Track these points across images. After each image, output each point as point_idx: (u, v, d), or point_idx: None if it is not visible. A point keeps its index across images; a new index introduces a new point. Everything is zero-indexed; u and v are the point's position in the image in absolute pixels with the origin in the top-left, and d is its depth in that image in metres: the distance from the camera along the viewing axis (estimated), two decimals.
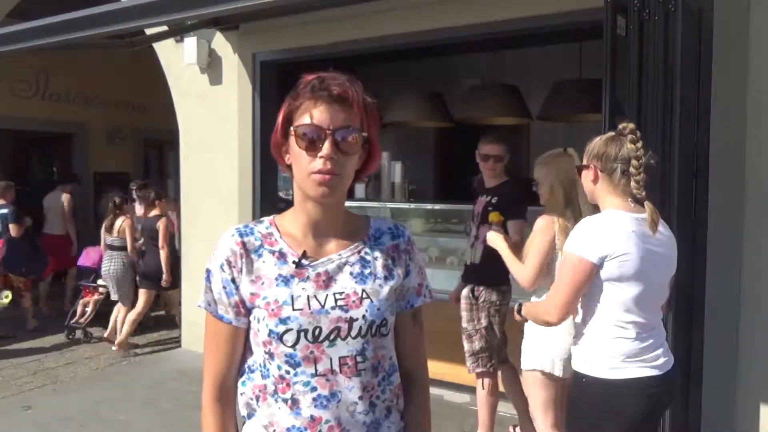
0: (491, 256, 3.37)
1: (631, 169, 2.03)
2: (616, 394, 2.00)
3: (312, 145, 1.19)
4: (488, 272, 3.46)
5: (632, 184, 2.03)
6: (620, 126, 2.10)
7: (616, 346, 2.01)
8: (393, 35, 4.44)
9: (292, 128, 1.22)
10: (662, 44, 2.63)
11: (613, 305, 2.01)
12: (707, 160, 3.20)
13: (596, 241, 1.98)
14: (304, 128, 1.20)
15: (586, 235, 2.02)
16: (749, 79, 3.20)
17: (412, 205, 5.31)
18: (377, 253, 1.30)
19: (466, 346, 3.54)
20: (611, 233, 1.98)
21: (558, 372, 2.65)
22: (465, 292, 3.58)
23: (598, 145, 2.13)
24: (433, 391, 4.84)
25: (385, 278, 1.29)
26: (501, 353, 3.58)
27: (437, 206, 5.36)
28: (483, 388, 3.53)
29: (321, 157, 1.19)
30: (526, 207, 3.47)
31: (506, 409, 4.20)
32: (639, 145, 2.04)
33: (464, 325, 3.55)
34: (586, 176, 2.17)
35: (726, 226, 3.23)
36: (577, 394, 2.12)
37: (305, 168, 1.21)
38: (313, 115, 1.20)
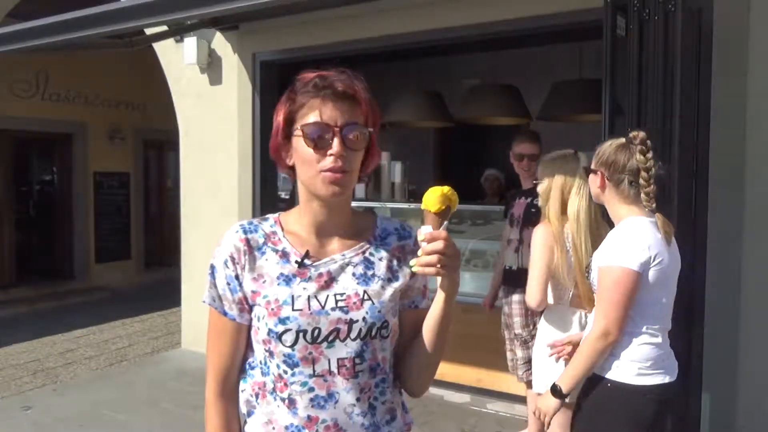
0: None
1: (641, 181, 2.00)
2: (638, 401, 1.98)
3: (320, 144, 1.18)
4: None
5: (642, 196, 2.01)
6: (631, 134, 2.07)
7: (645, 353, 1.99)
8: (393, 35, 4.44)
9: (298, 128, 1.20)
10: (662, 44, 2.63)
11: (646, 312, 1.99)
12: (707, 160, 3.19)
13: (634, 249, 1.95)
14: (312, 127, 1.18)
15: (621, 244, 1.98)
16: (749, 79, 3.19)
17: (412, 205, 5.30)
18: (382, 254, 1.28)
19: (519, 353, 3.41)
20: (645, 240, 1.96)
21: (575, 395, 2.57)
22: (517, 297, 3.42)
23: (608, 152, 2.09)
24: (433, 391, 4.85)
25: (389, 280, 1.27)
26: None
27: None
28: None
29: (331, 155, 1.17)
30: None
31: (505, 409, 4.21)
32: (649, 156, 2.00)
33: (518, 331, 3.41)
34: (594, 181, 2.15)
35: (726, 226, 3.23)
36: (595, 398, 2.06)
37: (314, 167, 1.19)
38: (321, 113, 1.18)
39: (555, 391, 2.08)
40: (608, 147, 2.11)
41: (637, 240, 1.97)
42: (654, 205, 2.01)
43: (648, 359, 1.99)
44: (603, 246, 2.07)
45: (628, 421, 1.99)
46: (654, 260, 1.95)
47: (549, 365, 2.66)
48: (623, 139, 2.10)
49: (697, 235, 3.13)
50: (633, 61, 2.62)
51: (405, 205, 5.37)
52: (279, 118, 1.24)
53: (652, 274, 1.95)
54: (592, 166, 2.15)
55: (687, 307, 2.94)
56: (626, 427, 1.99)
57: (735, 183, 3.22)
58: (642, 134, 2.04)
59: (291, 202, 5.37)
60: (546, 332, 2.78)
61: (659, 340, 2.02)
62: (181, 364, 5.24)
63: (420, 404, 4.20)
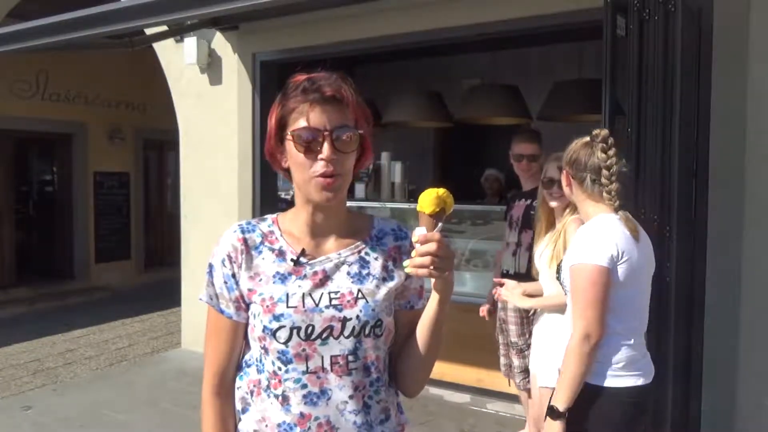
0: None
1: (603, 180, 1.99)
2: (610, 403, 1.94)
3: (311, 148, 1.19)
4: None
5: (605, 194, 1.99)
6: (593, 132, 2.06)
7: (617, 354, 1.95)
8: (393, 35, 4.44)
9: (288, 133, 1.22)
10: (662, 44, 2.63)
11: (617, 311, 1.94)
12: (707, 159, 3.19)
13: (601, 245, 1.92)
14: (301, 132, 1.19)
15: (589, 242, 1.95)
16: (749, 79, 3.20)
17: (412, 205, 5.30)
18: (378, 254, 1.30)
19: (516, 361, 3.37)
20: (613, 236, 1.93)
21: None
22: (512, 304, 3.26)
23: (572, 150, 2.10)
24: (433, 391, 4.85)
25: (384, 279, 1.28)
26: None
27: None
28: (532, 405, 3.26)
29: (321, 159, 1.18)
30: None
31: (505, 409, 4.21)
32: (610, 153, 1.99)
33: (514, 339, 3.36)
34: (563, 180, 2.17)
35: (726, 226, 3.23)
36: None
37: (306, 172, 1.21)
38: (309, 117, 1.19)
39: (553, 412, 1.92)
40: (573, 146, 2.12)
41: (604, 236, 1.94)
42: (617, 203, 1.99)
43: (620, 360, 1.94)
44: (572, 245, 2.04)
45: (601, 424, 1.94)
46: (622, 257, 1.91)
47: (555, 359, 2.64)
48: (587, 138, 2.09)
49: (697, 234, 3.13)
50: (633, 61, 2.62)
51: (405, 205, 5.36)
52: (272, 121, 1.26)
53: (620, 270, 1.92)
54: (562, 165, 2.17)
55: (687, 306, 2.95)
56: (599, 430, 1.95)
57: (735, 183, 3.22)
58: (604, 132, 2.03)
59: (291, 203, 5.36)
60: (551, 326, 2.75)
61: (632, 341, 1.97)
62: (181, 364, 5.24)
63: (419, 404, 4.20)
